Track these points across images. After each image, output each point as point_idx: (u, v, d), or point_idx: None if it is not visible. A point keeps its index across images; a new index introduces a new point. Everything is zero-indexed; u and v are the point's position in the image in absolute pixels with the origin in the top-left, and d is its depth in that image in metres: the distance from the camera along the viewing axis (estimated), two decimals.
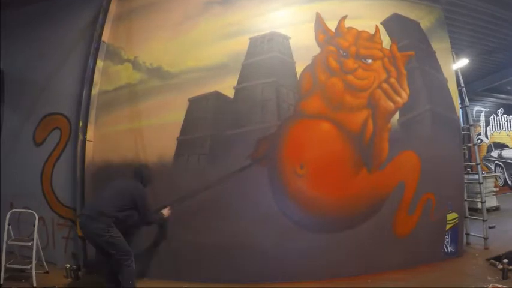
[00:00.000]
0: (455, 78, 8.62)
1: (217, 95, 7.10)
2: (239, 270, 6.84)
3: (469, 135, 10.22)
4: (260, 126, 7.03)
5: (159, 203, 6.86)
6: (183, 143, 7.07)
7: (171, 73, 7.26)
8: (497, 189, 15.27)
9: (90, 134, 7.28)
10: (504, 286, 6.18)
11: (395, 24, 7.96)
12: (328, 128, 7.18)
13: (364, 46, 7.56)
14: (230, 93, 7.11)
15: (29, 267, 6.59)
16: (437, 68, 8.23)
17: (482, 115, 19.37)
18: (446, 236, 7.91)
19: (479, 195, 9.28)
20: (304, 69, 7.25)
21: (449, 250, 7.95)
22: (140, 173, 6.40)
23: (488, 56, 14.06)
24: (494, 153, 19.52)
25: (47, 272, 7.07)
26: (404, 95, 7.63)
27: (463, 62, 12.48)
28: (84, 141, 7.26)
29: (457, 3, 9.16)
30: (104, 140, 7.31)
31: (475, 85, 16.92)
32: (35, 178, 7.84)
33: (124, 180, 6.26)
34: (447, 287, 6.49)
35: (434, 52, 8.27)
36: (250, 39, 7.28)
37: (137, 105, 7.29)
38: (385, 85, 7.51)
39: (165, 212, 6.61)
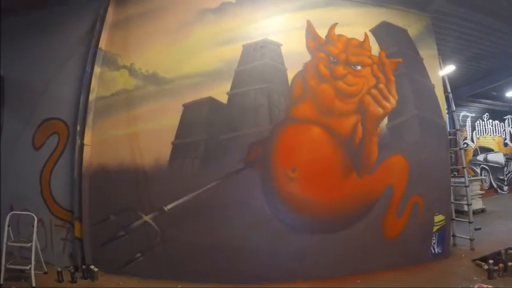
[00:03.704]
0: (442, 84, 8.65)
1: (211, 101, 7.05)
2: (232, 271, 6.80)
3: (455, 139, 10.28)
4: (253, 131, 6.99)
5: (155, 206, 6.91)
6: (178, 147, 7.01)
7: (167, 79, 7.20)
8: (483, 192, 15.39)
9: (87, 139, 7.22)
10: (490, 286, 6.19)
11: (384, 31, 7.98)
12: (319, 132, 7.16)
13: (354, 53, 7.55)
14: (223, 98, 7.06)
15: (28, 267, 6.51)
16: (425, 74, 8.26)
17: (469, 120, 19.46)
18: (434, 238, 7.91)
19: (465, 198, 9.28)
20: (295, 76, 7.24)
21: (436, 251, 7.94)
22: None
23: (475, 63, 14.05)
24: (480, 157, 19.62)
25: (46, 273, 6.94)
26: (393, 101, 7.63)
27: (449, 69, 12.44)
28: (82, 145, 7.20)
29: (444, 12, 9.13)
30: (101, 144, 7.25)
31: (462, 91, 16.95)
32: (34, 181, 7.75)
33: None
34: (435, 287, 6.47)
35: (422, 59, 8.29)
36: (243, 46, 7.24)
37: (133, 110, 7.23)
38: (374, 91, 7.51)
39: None
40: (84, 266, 6.98)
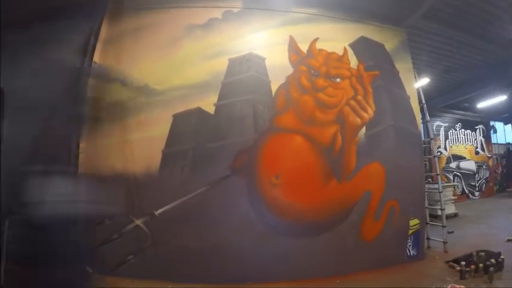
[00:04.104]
0: (417, 96, 8.80)
1: (200, 111, 7.15)
2: (220, 272, 6.87)
3: (429, 148, 10.38)
4: (238, 140, 7.12)
5: (146, 211, 6.98)
6: (168, 155, 7.08)
7: (157, 91, 7.27)
8: (456, 197, 15.70)
9: (82, 147, 7.21)
10: (462, 286, 6.30)
11: (362, 46, 8.13)
12: (301, 141, 7.28)
13: (334, 66, 7.70)
14: (211, 109, 7.18)
15: None
16: (401, 86, 8.41)
17: (442, 129, 19.71)
18: (409, 241, 8.00)
19: (439, 203, 9.35)
20: (278, 87, 7.38)
21: (411, 253, 8.03)
22: None
23: (448, 75, 14.30)
24: (453, 165, 19.90)
25: None
26: (370, 111, 7.79)
27: (424, 81, 12.62)
28: (78, 153, 7.20)
29: (418, 27, 9.33)
30: (95, 152, 7.24)
31: (435, 102, 17.19)
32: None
33: None
34: (410, 287, 6.56)
35: (398, 72, 8.46)
36: (230, 59, 7.37)
37: (126, 120, 7.28)
38: (352, 102, 7.65)
39: None
40: None
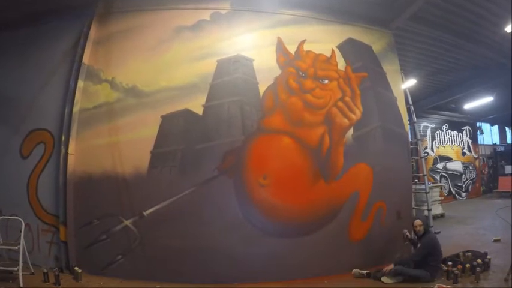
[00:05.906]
0: (404, 97, 8.73)
1: (188, 112, 7.04)
2: (207, 272, 6.77)
3: (416, 148, 10.35)
4: (226, 141, 6.99)
5: (135, 211, 6.88)
6: (157, 156, 6.98)
7: (146, 92, 7.16)
8: (443, 198, 15.69)
9: (71, 148, 7.11)
10: (448, 286, 6.19)
11: (349, 47, 8.01)
12: (289, 142, 7.18)
13: (321, 68, 7.58)
14: (199, 110, 7.06)
15: (16, 269, 6.37)
16: (388, 87, 8.31)
17: (429, 130, 19.76)
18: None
19: (426, 204, 9.29)
20: (266, 89, 7.27)
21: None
22: None
23: (434, 77, 14.24)
24: (440, 165, 19.92)
25: (33, 274, 6.80)
26: (358, 113, 7.69)
27: (411, 82, 12.60)
28: (66, 154, 7.10)
29: (406, 29, 9.23)
30: (84, 153, 7.16)
31: (422, 103, 17.18)
32: (21, 188, 7.63)
33: None
34: (397, 287, 6.45)
35: (385, 73, 8.34)
36: (218, 61, 7.25)
37: (115, 122, 7.16)
38: (340, 103, 7.55)
39: None
40: (68, 270, 6.93)
